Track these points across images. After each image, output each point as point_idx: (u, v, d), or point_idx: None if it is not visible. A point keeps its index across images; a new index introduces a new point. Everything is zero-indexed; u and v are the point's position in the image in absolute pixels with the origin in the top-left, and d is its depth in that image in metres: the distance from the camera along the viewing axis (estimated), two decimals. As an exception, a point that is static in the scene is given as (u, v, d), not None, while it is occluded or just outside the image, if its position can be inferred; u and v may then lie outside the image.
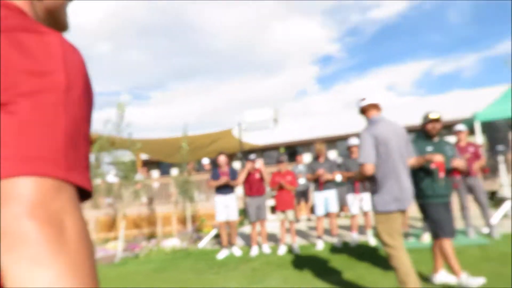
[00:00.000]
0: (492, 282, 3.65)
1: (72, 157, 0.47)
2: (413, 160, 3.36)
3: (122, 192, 8.68)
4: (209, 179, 6.72)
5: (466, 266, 4.28)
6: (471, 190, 5.82)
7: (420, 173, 3.69)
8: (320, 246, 6.20)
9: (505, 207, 6.48)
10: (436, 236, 3.73)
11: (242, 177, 6.54)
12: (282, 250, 6.23)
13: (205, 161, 13.16)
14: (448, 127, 14.71)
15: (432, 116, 3.75)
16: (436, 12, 58.79)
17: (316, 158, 6.49)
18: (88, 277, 0.44)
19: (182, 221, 10.29)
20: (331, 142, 16.44)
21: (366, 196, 6.20)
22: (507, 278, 3.71)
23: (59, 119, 0.46)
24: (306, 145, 17.30)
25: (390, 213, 2.99)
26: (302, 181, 9.23)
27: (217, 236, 8.38)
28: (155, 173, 19.35)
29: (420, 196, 3.74)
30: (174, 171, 15.04)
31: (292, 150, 18.12)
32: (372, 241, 6.10)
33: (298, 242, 6.71)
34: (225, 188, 6.52)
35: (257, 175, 6.58)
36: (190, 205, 9.58)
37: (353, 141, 6.45)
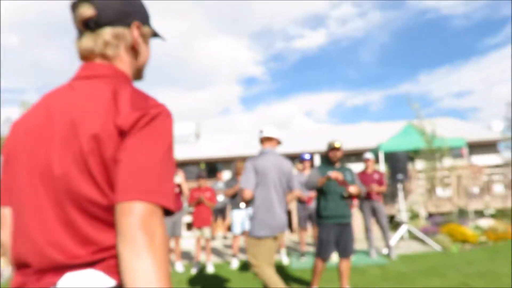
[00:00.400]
0: (390, 300, 3.95)
1: (162, 189, 0.78)
2: (319, 179, 3.95)
3: None
4: None
5: (368, 284, 4.61)
6: (374, 213, 6.33)
7: (318, 196, 4.12)
8: (234, 264, 6.15)
9: (401, 230, 7.16)
10: (317, 253, 4.06)
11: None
12: (195, 268, 6.04)
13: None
14: (357, 155, 16.03)
15: (335, 145, 4.11)
16: (351, 49, 64.65)
17: (235, 175, 6.51)
18: (166, 267, 0.74)
19: None
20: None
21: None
22: (402, 296, 4.06)
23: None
24: (227, 162, 17.33)
25: (259, 239, 3.21)
26: (220, 198, 9.16)
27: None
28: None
29: (317, 216, 4.13)
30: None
31: (213, 166, 18.00)
32: (285, 260, 6.25)
33: (213, 260, 6.58)
34: None
35: (176, 189, 6.35)
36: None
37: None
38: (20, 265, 0.84)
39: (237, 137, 21.43)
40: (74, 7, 0.94)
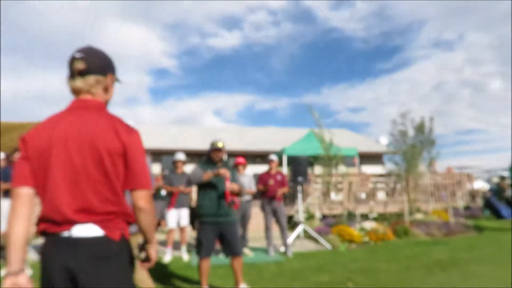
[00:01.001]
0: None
1: (151, 181, 1.57)
2: (205, 174, 3.92)
3: None
4: None
5: (265, 280, 4.77)
6: (275, 213, 6.61)
7: (198, 193, 4.08)
8: (167, 258, 5.82)
9: (298, 229, 7.60)
10: (197, 253, 3.98)
11: None
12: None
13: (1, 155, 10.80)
14: (262, 157, 16.59)
15: (218, 145, 4.10)
16: (263, 55, 67.06)
17: None
18: (154, 223, 1.61)
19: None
20: (157, 155, 16.10)
21: (184, 212, 6.24)
22: (295, 291, 4.29)
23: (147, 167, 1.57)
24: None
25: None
26: None
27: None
28: None
29: (197, 215, 4.06)
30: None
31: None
32: (186, 257, 6.14)
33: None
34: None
35: None
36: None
37: (180, 156, 6.45)
38: (46, 219, 1.45)
39: (142, 129, 20.42)
40: (72, 61, 1.55)
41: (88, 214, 1.45)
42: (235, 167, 6.65)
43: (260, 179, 6.75)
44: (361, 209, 10.22)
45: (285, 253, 6.46)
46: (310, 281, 4.69)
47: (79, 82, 1.56)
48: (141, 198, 1.53)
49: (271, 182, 6.53)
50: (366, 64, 66.85)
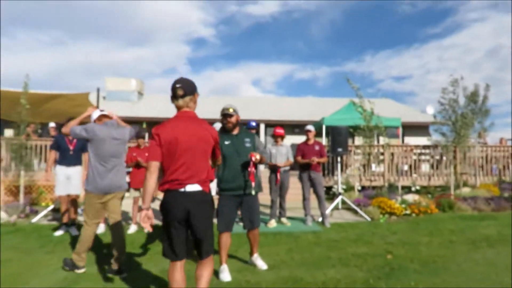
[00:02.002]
0: (321, 264, 4.17)
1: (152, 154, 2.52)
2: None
3: None
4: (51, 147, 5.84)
5: (302, 249, 4.82)
6: (312, 183, 6.57)
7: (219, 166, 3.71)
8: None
9: (336, 200, 7.55)
10: (218, 227, 3.74)
11: None
12: (132, 229, 5.89)
13: (51, 124, 11.46)
14: (301, 127, 16.41)
15: (228, 110, 3.79)
16: (303, 22, 64.87)
17: None
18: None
19: (13, 191, 8.78)
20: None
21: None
22: (333, 261, 4.30)
23: None
24: (170, 124, 16.87)
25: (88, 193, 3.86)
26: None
27: (57, 211, 7.41)
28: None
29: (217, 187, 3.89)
30: (9, 133, 12.65)
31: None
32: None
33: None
34: (68, 158, 5.75)
35: None
36: (26, 174, 8.21)
37: (218, 127, 6.48)
38: (169, 182, 2.49)
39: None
40: (174, 89, 2.53)
41: (195, 178, 2.53)
42: (273, 138, 6.63)
43: (298, 149, 6.70)
44: (403, 182, 9.94)
45: (322, 223, 6.47)
46: (347, 252, 4.67)
47: (181, 102, 2.58)
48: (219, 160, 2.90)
49: (314, 160, 6.39)
50: (412, 29, 62.84)
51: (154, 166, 2.48)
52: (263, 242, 5.15)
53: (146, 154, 6.11)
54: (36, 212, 6.96)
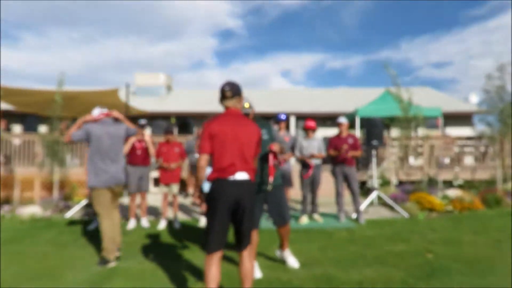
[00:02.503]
0: (356, 262, 4.10)
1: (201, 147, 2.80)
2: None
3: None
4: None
5: (335, 247, 4.76)
6: (346, 178, 6.46)
7: None
8: (203, 222, 6.19)
9: (372, 196, 7.39)
10: None
11: (127, 147, 6.04)
12: (162, 224, 6.04)
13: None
14: (333, 119, 16.16)
15: (244, 105, 3.66)
16: (333, 9, 63.55)
17: None
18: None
19: (48, 187, 9.20)
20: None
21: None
22: (368, 259, 4.22)
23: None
24: (199, 117, 17.06)
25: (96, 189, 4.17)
26: (197, 155, 9.05)
27: (89, 206, 7.72)
28: (17, 128, 16.85)
29: None
30: (43, 129, 13.27)
31: (183, 122, 17.66)
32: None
33: (180, 218, 6.59)
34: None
35: (143, 144, 6.20)
36: (59, 170, 8.59)
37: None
38: (219, 168, 2.73)
39: (210, 93, 21.03)
40: (223, 91, 2.87)
41: (243, 167, 2.79)
42: (304, 131, 6.56)
43: (330, 143, 6.59)
44: (444, 175, 9.57)
45: (357, 220, 6.36)
46: (384, 250, 4.56)
47: (230, 103, 2.90)
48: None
49: (345, 147, 6.29)
50: (453, 11, 60.07)
51: (204, 159, 2.76)
52: (294, 239, 5.13)
53: (177, 150, 6.22)
54: (69, 207, 7.26)
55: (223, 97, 2.90)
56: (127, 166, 6.17)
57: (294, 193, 8.04)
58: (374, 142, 7.36)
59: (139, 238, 5.32)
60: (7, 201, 8.61)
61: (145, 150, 6.19)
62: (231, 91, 2.88)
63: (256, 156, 2.98)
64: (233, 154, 2.76)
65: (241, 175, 2.76)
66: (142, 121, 6.23)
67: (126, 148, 6.01)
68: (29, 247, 4.90)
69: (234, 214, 2.75)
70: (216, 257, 2.73)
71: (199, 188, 2.87)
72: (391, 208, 7.33)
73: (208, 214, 2.76)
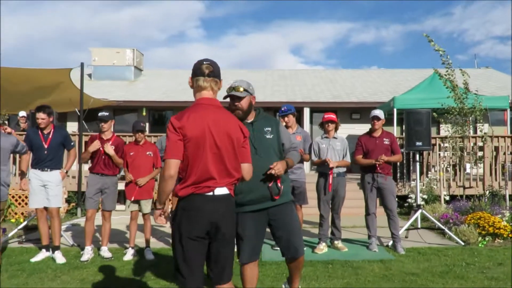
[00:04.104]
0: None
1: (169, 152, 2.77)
2: None
3: None
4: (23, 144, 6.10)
5: (364, 285, 4.78)
6: (379, 191, 6.48)
7: None
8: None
9: (414, 216, 7.40)
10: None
11: (91, 148, 6.08)
12: (129, 254, 6.06)
13: (21, 114, 11.94)
14: (362, 112, 16.21)
15: (232, 91, 3.66)
16: (364, -38, 63.70)
17: None
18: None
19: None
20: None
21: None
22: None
23: None
24: (179, 108, 17.09)
25: None
26: None
27: (31, 229, 7.74)
28: None
29: None
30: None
31: (159, 114, 17.68)
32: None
33: (153, 245, 6.60)
34: (44, 160, 5.98)
35: (110, 145, 6.20)
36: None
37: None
38: (196, 182, 2.77)
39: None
40: (201, 64, 2.96)
41: (224, 180, 2.88)
42: (321, 127, 6.58)
43: (359, 144, 6.61)
44: (512, 189, 9.59)
45: (394, 249, 6.38)
46: (431, 290, 4.59)
47: (205, 83, 2.97)
48: (247, 168, 3.08)
49: (383, 159, 6.26)
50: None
51: (175, 165, 2.73)
52: (309, 274, 5.15)
53: (149, 153, 6.23)
54: (3, 232, 7.29)
55: (200, 74, 2.93)
56: (91, 174, 6.20)
57: (309, 211, 8.04)
58: (419, 144, 7.36)
59: (97, 274, 5.33)
60: None
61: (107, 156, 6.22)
62: (210, 66, 2.94)
63: (247, 161, 3.05)
64: (214, 163, 2.81)
65: (221, 190, 2.84)
66: (105, 114, 6.26)
67: (91, 149, 6.05)
68: None
69: (211, 239, 2.85)
70: None
71: (163, 205, 2.90)
72: (440, 232, 7.33)
73: (177, 241, 2.83)
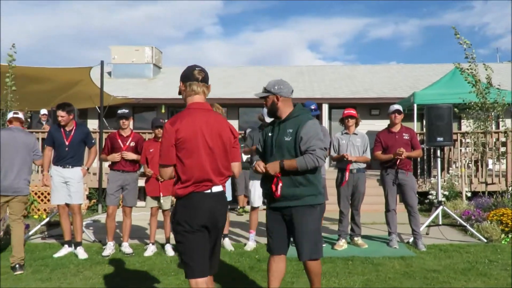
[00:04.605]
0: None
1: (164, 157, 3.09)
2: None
3: None
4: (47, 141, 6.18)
5: (385, 282, 4.75)
6: (399, 187, 6.42)
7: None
8: (227, 244, 6.41)
9: (435, 213, 7.32)
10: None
11: (110, 157, 6.22)
12: (149, 250, 6.12)
13: (43, 111, 12.09)
14: (381, 107, 16.07)
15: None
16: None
17: None
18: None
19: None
20: (232, 106, 16.58)
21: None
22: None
23: None
24: (197, 107, 17.16)
25: None
26: None
27: (53, 225, 7.86)
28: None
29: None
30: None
31: (178, 111, 17.75)
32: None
33: (174, 241, 6.64)
34: (65, 157, 6.07)
35: (130, 142, 6.27)
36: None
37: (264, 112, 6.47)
38: (195, 182, 3.00)
39: (213, 73, 21.10)
40: (193, 70, 3.19)
41: (218, 178, 3.13)
42: (341, 122, 6.55)
43: (378, 140, 6.56)
44: (536, 185, 9.43)
45: (414, 246, 6.33)
46: (453, 288, 4.54)
47: (199, 88, 3.19)
48: (238, 167, 3.38)
49: (402, 153, 6.17)
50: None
51: (170, 171, 3.09)
52: (329, 270, 5.14)
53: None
54: (26, 227, 7.41)
55: (192, 79, 3.15)
56: (111, 171, 6.28)
57: (329, 208, 8.01)
58: (440, 139, 7.27)
59: (118, 269, 5.39)
60: None
61: (133, 149, 6.28)
62: (202, 72, 3.18)
63: (237, 161, 3.36)
64: (207, 164, 3.06)
65: (217, 188, 3.13)
66: (125, 111, 6.33)
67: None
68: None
69: (209, 232, 3.12)
70: (206, 282, 3.05)
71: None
72: (462, 229, 7.26)
73: (181, 237, 3.05)
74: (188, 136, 2.99)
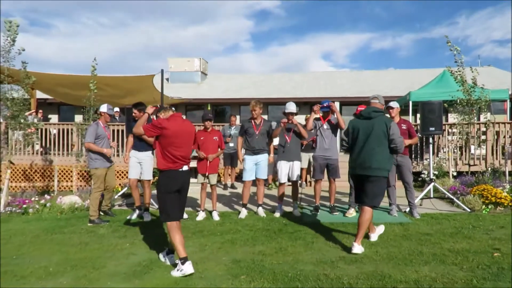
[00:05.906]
0: (410, 260, 4.00)
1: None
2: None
3: (7, 136, 7.82)
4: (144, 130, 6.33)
5: (387, 243, 4.67)
6: (398, 167, 6.29)
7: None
8: (243, 214, 6.28)
9: (427, 188, 7.15)
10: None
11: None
12: (200, 216, 6.19)
13: (116, 109, 12.32)
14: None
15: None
16: (381, -18, 61.27)
17: (251, 118, 6.47)
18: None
19: (85, 177, 9.68)
20: (263, 105, 16.54)
21: (296, 165, 6.37)
22: (425, 257, 4.11)
23: None
24: (235, 104, 17.18)
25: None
26: (231, 144, 9.20)
27: (127, 196, 8.05)
28: (54, 118, 17.79)
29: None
30: (78, 118, 13.91)
31: (219, 109, 17.87)
32: (297, 212, 6.35)
33: (219, 209, 6.72)
34: (141, 144, 6.22)
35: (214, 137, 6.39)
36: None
37: (291, 107, 6.42)
38: (173, 161, 3.89)
39: (247, 78, 21.07)
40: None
41: (186, 161, 3.94)
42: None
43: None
44: (511, 166, 9.08)
45: (411, 214, 6.20)
46: (443, 248, 4.42)
47: (178, 116, 4.09)
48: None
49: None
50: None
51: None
52: (342, 234, 5.10)
53: (215, 138, 6.31)
54: (102, 196, 7.61)
55: (167, 108, 4.20)
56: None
57: (340, 184, 7.93)
58: (432, 129, 7.08)
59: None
60: (47, 190, 9.14)
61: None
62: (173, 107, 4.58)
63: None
64: (182, 150, 3.92)
65: (185, 167, 3.98)
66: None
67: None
68: (69, 236, 5.20)
69: (180, 194, 3.97)
70: (178, 224, 3.86)
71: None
72: (449, 201, 7.07)
73: (162, 194, 3.87)
74: (173, 131, 3.85)
